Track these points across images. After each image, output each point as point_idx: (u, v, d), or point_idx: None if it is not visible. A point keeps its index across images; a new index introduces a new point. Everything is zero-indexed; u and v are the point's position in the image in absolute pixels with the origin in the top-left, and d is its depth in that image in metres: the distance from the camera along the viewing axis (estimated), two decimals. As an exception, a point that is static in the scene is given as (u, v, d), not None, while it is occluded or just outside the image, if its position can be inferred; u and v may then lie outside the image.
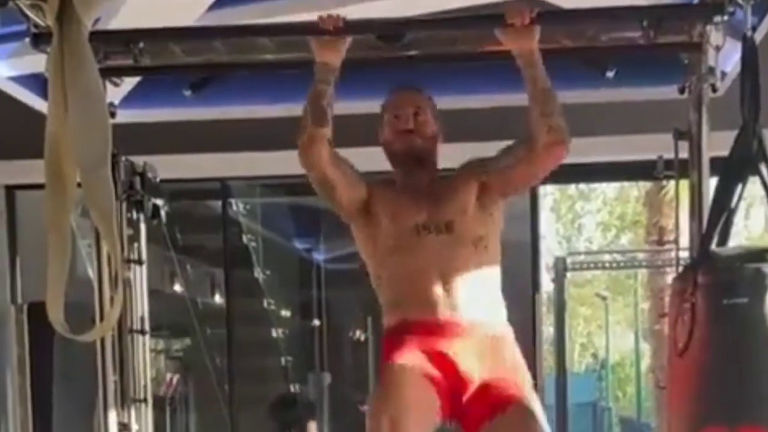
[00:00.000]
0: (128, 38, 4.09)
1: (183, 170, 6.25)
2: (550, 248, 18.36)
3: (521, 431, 3.43)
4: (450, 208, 3.66)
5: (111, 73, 4.16)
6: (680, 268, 3.68)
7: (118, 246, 2.93)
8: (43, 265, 2.94)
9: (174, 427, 9.30)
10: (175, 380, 9.76)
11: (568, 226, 23.73)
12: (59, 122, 2.92)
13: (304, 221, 9.69)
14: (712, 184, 3.64)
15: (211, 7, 4.62)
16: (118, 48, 4.09)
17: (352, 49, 3.70)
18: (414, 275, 3.57)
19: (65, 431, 6.89)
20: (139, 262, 4.63)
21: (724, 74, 4.05)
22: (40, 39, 3.73)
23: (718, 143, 3.67)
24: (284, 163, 3.79)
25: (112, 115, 3.94)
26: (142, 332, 4.60)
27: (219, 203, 8.17)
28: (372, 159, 3.76)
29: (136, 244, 4.61)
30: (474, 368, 3.49)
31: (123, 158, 4.42)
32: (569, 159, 3.67)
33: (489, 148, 3.81)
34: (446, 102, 3.99)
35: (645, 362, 18.13)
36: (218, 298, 9.15)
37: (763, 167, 3.20)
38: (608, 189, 22.03)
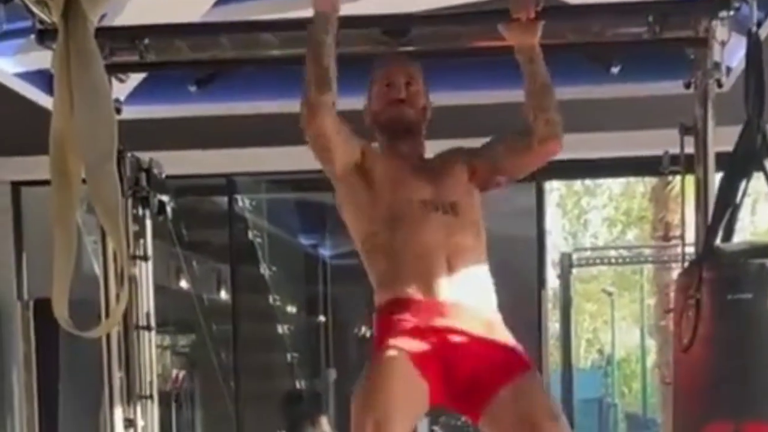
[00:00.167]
0: (134, 34, 4.10)
1: (189, 166, 6.27)
2: (555, 244, 18.39)
3: (530, 395, 3.39)
4: (453, 188, 3.60)
5: (117, 70, 4.17)
6: (686, 264, 3.68)
7: (124, 242, 2.93)
8: (49, 262, 2.94)
9: (180, 423, 9.30)
10: (180, 376, 9.76)
11: (574, 221, 23.70)
12: (65, 119, 2.92)
13: (310, 217, 9.69)
14: (718, 179, 3.63)
15: (217, 3, 4.62)
16: (124, 44, 4.10)
17: (358, 44, 3.69)
18: (417, 250, 3.48)
19: (71, 427, 6.91)
20: (145, 258, 4.65)
21: (729, 69, 4.04)
22: (45, 35, 3.74)
23: (724, 138, 3.67)
24: (290, 158, 3.79)
25: (118, 111, 3.96)
26: (148, 328, 4.61)
27: (225, 199, 8.17)
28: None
29: (141, 241, 4.63)
30: (471, 346, 3.43)
31: (129, 154, 4.44)
32: (575, 155, 3.68)
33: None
34: (450, 98, 3.98)
35: (651, 358, 18.14)
36: (224, 294, 9.14)
37: (767, 163, 3.20)
38: (614, 185, 21.98)
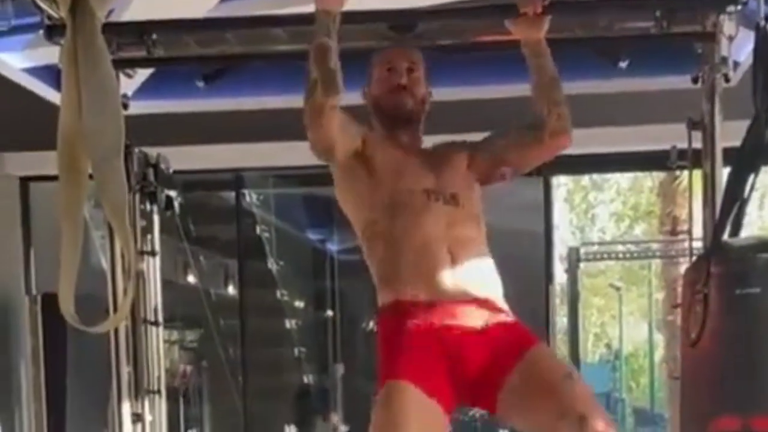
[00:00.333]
0: (141, 30, 4.11)
1: (196, 161, 6.27)
2: (563, 239, 18.37)
3: (541, 363, 3.38)
4: (453, 179, 3.58)
5: (124, 65, 4.17)
6: (694, 259, 3.68)
7: (131, 238, 2.93)
8: (57, 256, 2.95)
9: (188, 418, 9.32)
10: (188, 371, 9.78)
11: (582, 216, 23.68)
12: (72, 114, 2.92)
13: (317, 212, 9.70)
14: (725, 174, 3.63)
15: (224, -1, 4.63)
16: (132, 39, 4.11)
17: (364, 39, 3.68)
18: (418, 240, 3.44)
19: (79, 422, 6.93)
20: (153, 253, 4.65)
21: (737, 64, 4.04)
22: (53, 31, 3.75)
23: (731, 133, 3.66)
24: (297, 153, 3.77)
25: (125, 106, 3.96)
26: (156, 323, 4.62)
27: (232, 194, 8.18)
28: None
29: (149, 236, 4.63)
30: (477, 341, 3.40)
31: (136, 149, 4.44)
32: (583, 149, 3.67)
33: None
34: (457, 92, 3.98)
35: (659, 353, 18.11)
36: (231, 289, 9.17)
37: (775, 157, 3.20)
38: (622, 179, 21.96)
